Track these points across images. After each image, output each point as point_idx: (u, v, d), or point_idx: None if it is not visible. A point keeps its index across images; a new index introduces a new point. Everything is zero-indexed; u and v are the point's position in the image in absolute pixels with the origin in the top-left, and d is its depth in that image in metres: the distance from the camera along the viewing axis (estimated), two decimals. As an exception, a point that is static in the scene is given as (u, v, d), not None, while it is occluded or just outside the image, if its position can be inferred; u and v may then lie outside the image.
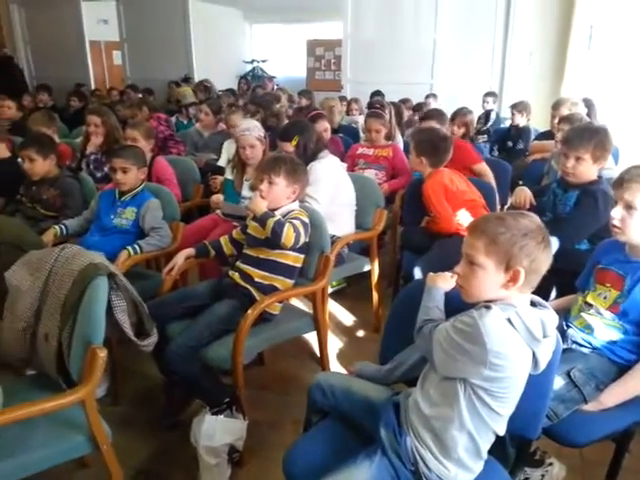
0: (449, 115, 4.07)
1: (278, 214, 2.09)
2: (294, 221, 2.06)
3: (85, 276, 1.61)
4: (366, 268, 2.94)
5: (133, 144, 3.03)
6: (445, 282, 1.45)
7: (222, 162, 3.57)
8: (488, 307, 1.20)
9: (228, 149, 3.55)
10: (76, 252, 1.76)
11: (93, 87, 8.88)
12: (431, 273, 1.51)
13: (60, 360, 1.65)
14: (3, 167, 3.19)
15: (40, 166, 2.80)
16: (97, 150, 3.65)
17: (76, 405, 1.50)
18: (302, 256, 2.20)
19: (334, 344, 2.84)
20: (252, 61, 11.08)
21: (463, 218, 2.63)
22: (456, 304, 1.33)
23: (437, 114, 3.86)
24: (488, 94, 5.96)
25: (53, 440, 1.52)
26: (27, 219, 2.79)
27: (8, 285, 1.75)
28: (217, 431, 1.83)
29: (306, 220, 2.13)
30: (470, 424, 1.21)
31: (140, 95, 6.93)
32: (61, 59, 9.17)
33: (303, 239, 2.09)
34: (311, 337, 2.67)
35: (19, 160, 2.90)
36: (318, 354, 2.43)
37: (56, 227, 2.63)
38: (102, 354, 1.51)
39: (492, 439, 1.28)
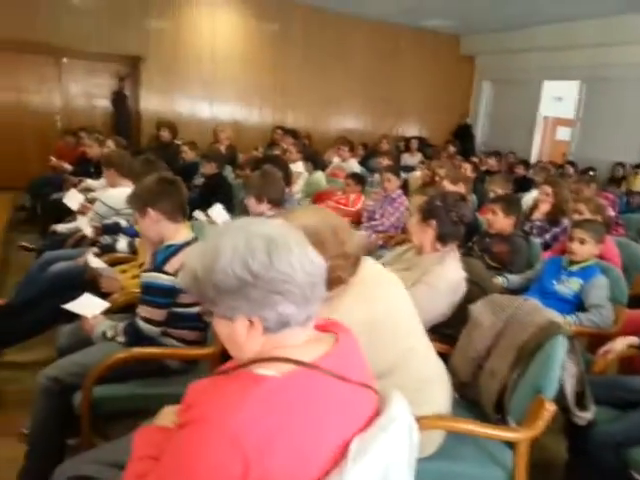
0: None
1: None
2: None
3: (547, 331, 1.72)
4: None
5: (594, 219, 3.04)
6: None
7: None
8: None
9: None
10: (536, 306, 1.89)
11: (533, 159, 9.29)
12: None
13: (499, 397, 1.79)
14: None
15: (501, 222, 3.11)
16: (542, 217, 3.80)
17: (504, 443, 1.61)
18: None
19: None
20: None
21: None
22: None
23: None
24: None
25: (477, 459, 1.67)
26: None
27: (470, 316, 2.01)
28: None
29: None
30: None
31: (592, 173, 6.96)
32: (509, 130, 9.95)
33: None
34: None
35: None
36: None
37: (500, 278, 2.87)
38: (550, 408, 1.57)
39: None
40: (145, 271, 1.93)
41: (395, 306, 1.59)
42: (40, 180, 5.78)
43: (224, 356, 1.95)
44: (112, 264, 2.79)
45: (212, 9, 8.17)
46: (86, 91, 8.01)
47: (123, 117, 8.06)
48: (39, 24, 7.10)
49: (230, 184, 4.69)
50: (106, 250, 3.00)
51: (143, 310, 1.91)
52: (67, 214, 4.37)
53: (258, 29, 8.57)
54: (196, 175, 5.72)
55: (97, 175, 5.22)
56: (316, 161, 5.90)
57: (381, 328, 1.50)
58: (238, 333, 0.95)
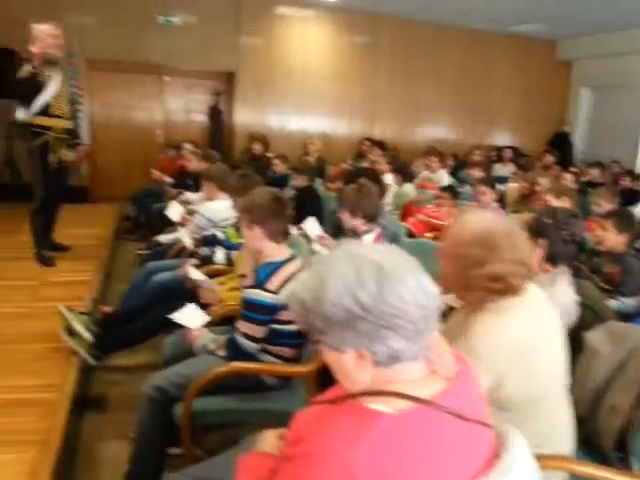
0: None
1: None
2: None
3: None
4: None
5: None
6: None
7: None
8: None
9: None
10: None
11: (639, 169, 8.61)
12: None
13: (621, 435, 1.63)
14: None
15: (613, 239, 2.88)
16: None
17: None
18: None
19: None
20: None
21: None
22: None
23: None
24: None
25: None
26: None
27: (585, 343, 1.86)
28: None
29: None
30: None
31: None
32: (611, 139, 9.29)
33: None
34: None
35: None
36: None
37: (614, 301, 2.65)
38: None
39: None
40: (247, 287, 1.96)
41: (546, 342, 1.43)
42: (143, 192, 6.15)
43: (321, 374, 1.94)
44: (210, 275, 2.88)
45: (303, 24, 8.35)
46: (185, 106, 8.45)
47: (218, 131, 8.41)
48: (144, 46, 7.59)
49: (320, 196, 4.72)
50: (204, 261, 3.11)
51: (243, 326, 1.94)
52: (168, 224, 4.61)
53: (348, 42, 8.64)
54: (286, 187, 5.85)
55: (195, 188, 5.47)
56: (405, 173, 5.81)
57: (524, 359, 1.37)
58: (347, 364, 0.92)
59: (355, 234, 2.92)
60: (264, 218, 2.00)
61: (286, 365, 1.98)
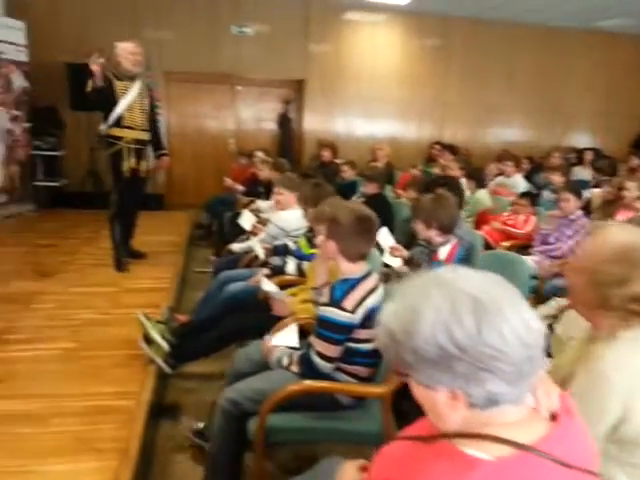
0: None
1: None
2: None
3: None
4: None
5: None
6: None
7: None
8: None
9: None
10: None
11: None
12: None
13: None
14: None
15: None
16: None
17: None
18: None
19: None
20: None
21: None
22: None
23: None
24: None
25: None
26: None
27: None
28: None
29: None
30: None
31: None
32: None
33: None
34: None
35: None
36: None
37: None
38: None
39: None
40: (322, 304, 1.92)
41: None
42: (216, 200, 6.30)
43: (398, 395, 1.87)
44: (281, 286, 2.87)
45: (372, 29, 8.29)
46: (256, 115, 8.61)
47: (288, 138, 8.50)
48: (217, 56, 7.80)
49: (391, 204, 4.63)
50: (276, 272, 3.11)
51: (318, 344, 1.89)
52: (241, 233, 4.69)
53: (418, 45, 8.49)
54: (355, 194, 5.80)
55: (266, 195, 5.54)
56: (479, 178, 5.60)
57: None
58: (438, 403, 0.85)
59: (429, 245, 2.82)
60: (343, 237, 1.92)
61: (361, 385, 1.92)
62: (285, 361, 1.98)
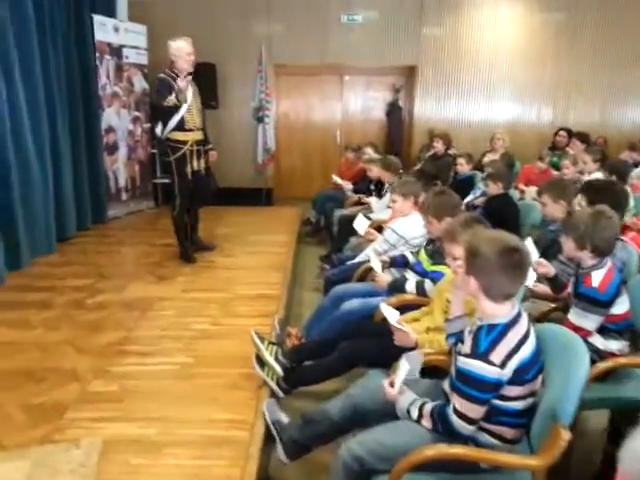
0: None
1: None
2: None
3: None
4: None
5: None
6: None
7: None
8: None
9: None
10: None
11: None
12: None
13: None
14: None
15: None
16: None
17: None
18: None
19: None
20: None
21: None
22: None
23: None
24: None
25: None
26: None
27: None
28: None
29: None
30: None
31: None
32: None
33: None
34: None
35: None
36: None
37: None
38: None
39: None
40: (464, 356, 1.62)
41: None
42: (323, 196, 6.14)
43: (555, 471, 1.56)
44: (399, 307, 2.61)
45: (494, 6, 7.62)
46: (363, 105, 8.33)
47: (396, 128, 8.14)
48: (326, 47, 7.59)
49: (517, 206, 4.15)
50: (394, 289, 2.86)
51: (457, 402, 1.61)
52: (349, 233, 4.47)
53: (543, 21, 7.69)
54: (472, 190, 5.34)
55: (377, 193, 5.27)
56: (621, 173, 4.87)
57: None
58: None
59: (577, 266, 2.40)
60: (486, 273, 1.60)
61: (509, 454, 1.60)
62: (415, 414, 1.72)
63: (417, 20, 7.60)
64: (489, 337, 1.57)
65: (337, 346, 2.47)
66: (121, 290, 3.89)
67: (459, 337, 1.81)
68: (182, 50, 4.17)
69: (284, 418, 2.26)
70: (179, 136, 4.29)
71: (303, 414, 2.18)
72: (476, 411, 1.58)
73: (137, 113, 6.43)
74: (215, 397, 2.52)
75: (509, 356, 1.56)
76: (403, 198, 3.37)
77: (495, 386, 1.56)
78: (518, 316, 1.65)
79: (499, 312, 1.63)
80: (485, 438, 1.65)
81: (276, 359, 2.56)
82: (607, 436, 1.97)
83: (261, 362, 2.59)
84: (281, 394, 2.53)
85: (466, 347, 1.62)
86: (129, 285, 4.00)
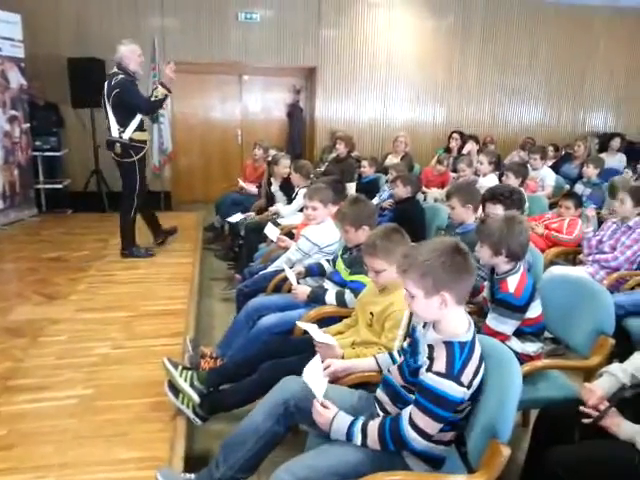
0: None
1: None
2: None
3: None
4: None
5: None
6: None
7: None
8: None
9: None
10: None
11: None
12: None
13: None
14: None
15: None
16: None
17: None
18: None
19: None
20: None
21: None
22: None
23: None
24: None
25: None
26: None
27: None
28: None
29: None
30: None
31: None
32: None
33: None
34: None
35: None
36: None
37: None
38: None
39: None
40: (434, 373, 1.52)
41: None
42: (228, 199, 5.89)
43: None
44: (320, 320, 2.53)
45: (387, 9, 7.80)
46: (263, 105, 8.20)
47: (298, 129, 8.09)
48: (224, 46, 7.36)
49: (423, 209, 4.24)
50: (313, 300, 2.76)
51: (417, 416, 1.54)
52: (258, 241, 4.31)
53: (434, 24, 8.01)
54: (377, 193, 5.39)
55: (286, 194, 5.11)
56: (523, 175, 5.12)
57: None
58: None
59: (492, 272, 2.45)
60: (449, 281, 1.53)
61: (450, 474, 1.56)
62: (358, 438, 1.62)
63: (316, 21, 7.59)
64: (462, 357, 1.53)
65: (256, 367, 2.32)
66: (4, 314, 3.42)
67: (411, 350, 1.75)
68: (135, 52, 4.20)
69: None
70: (142, 136, 4.31)
71: (221, 444, 2.00)
72: (435, 428, 1.53)
73: (14, 112, 5.77)
74: (123, 433, 2.25)
75: (474, 376, 1.55)
76: (323, 205, 3.28)
77: (458, 405, 1.53)
78: (475, 334, 1.62)
79: (460, 328, 1.58)
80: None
81: (191, 385, 2.35)
82: (531, 436, 2.01)
83: (174, 389, 2.37)
84: (199, 422, 2.34)
85: (439, 365, 1.53)
86: (13, 308, 3.53)
